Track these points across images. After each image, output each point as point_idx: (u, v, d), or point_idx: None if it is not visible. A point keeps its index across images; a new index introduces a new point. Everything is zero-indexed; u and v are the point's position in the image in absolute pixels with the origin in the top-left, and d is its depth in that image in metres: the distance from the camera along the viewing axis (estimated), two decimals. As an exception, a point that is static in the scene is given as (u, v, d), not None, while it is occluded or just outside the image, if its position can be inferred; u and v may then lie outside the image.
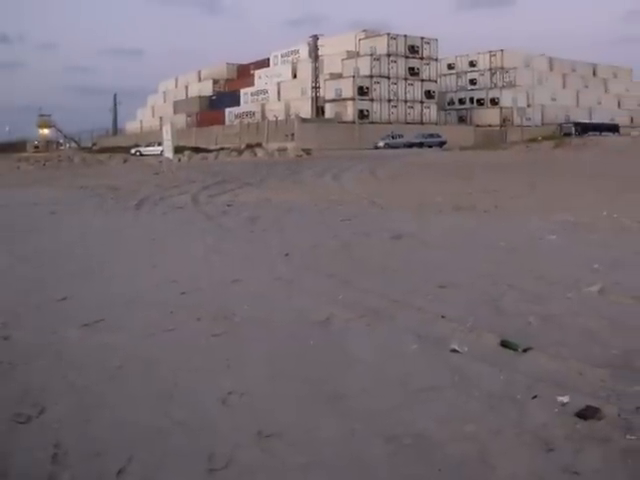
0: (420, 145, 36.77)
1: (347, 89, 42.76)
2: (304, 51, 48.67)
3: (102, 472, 1.96)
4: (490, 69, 51.34)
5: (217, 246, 6.02)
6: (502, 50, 51.18)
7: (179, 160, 28.36)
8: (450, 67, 53.34)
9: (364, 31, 47.70)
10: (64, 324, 3.48)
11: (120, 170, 22.43)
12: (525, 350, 2.85)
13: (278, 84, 49.32)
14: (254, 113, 48.90)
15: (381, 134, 38.52)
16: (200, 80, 61.88)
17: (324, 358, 2.89)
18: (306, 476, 1.92)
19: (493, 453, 1.99)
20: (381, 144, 36.93)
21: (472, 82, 52.20)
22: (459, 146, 33.03)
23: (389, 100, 43.78)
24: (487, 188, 10.95)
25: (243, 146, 35.92)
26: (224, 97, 54.91)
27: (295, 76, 49.39)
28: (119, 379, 2.69)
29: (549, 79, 53.07)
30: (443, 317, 3.39)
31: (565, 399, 2.31)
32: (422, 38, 45.69)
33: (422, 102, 45.32)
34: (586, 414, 2.20)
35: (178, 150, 31.07)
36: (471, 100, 51.27)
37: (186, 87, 62.67)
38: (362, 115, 41.93)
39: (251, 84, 53.16)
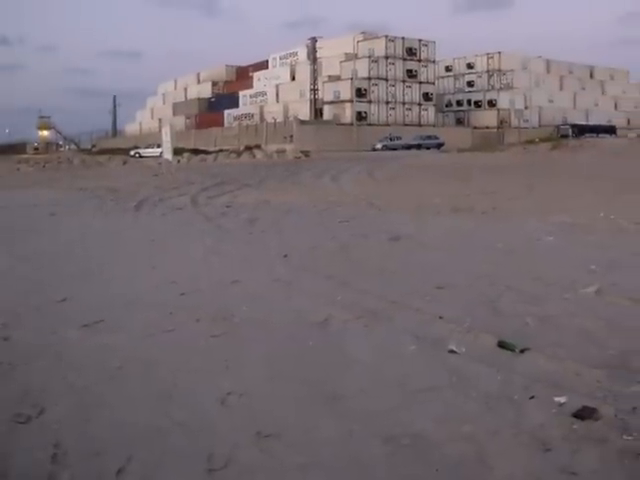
0: (418, 147, 36.85)
1: (345, 91, 42.83)
2: (302, 53, 48.75)
3: (102, 472, 1.97)
4: (487, 71, 51.47)
5: (216, 247, 6.03)
6: (499, 52, 51.34)
7: (178, 162, 28.36)
8: (448, 69, 53.48)
9: (362, 33, 47.82)
10: (64, 325, 3.49)
11: (119, 172, 22.44)
12: (522, 351, 2.86)
13: (277, 86, 49.37)
14: (253, 115, 48.94)
15: (379, 136, 38.61)
16: (199, 82, 61.95)
17: (322, 359, 2.90)
18: (305, 476, 1.92)
19: (491, 453, 1.99)
20: (379, 146, 36.99)
21: (470, 84, 52.33)
22: (457, 148, 33.07)
23: (387, 102, 43.86)
24: (485, 190, 10.98)
25: (242, 148, 35.96)
26: (223, 99, 54.96)
27: (294, 78, 49.46)
28: (119, 379, 2.70)
29: (546, 81, 53.24)
30: (441, 318, 3.40)
31: (562, 399, 2.32)
32: (420, 40, 45.81)
33: (420, 104, 45.42)
34: (583, 414, 2.20)
35: (177, 152, 31.04)
36: (469, 102, 51.39)
37: (185, 89, 62.73)
38: (360, 117, 41.99)
39: (250, 86, 53.21)
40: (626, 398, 2.32)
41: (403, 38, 45.11)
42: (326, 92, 44.28)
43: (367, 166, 19.29)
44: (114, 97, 75.48)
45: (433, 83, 46.90)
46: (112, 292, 4.28)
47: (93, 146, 60.91)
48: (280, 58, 53.00)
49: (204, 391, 2.56)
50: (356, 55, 44.64)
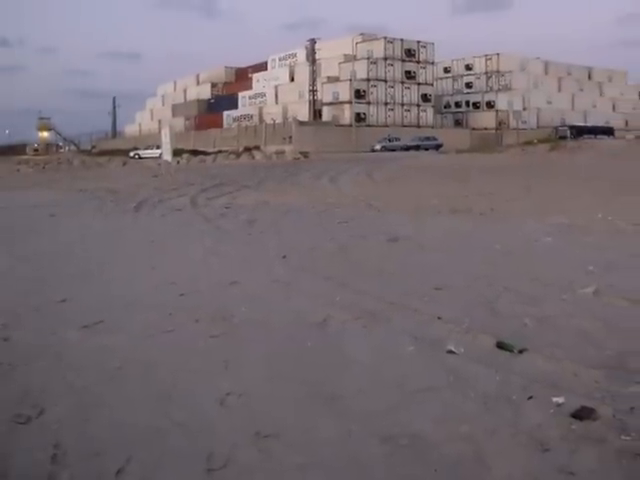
0: (417, 148, 36.91)
1: (344, 92, 42.88)
2: (302, 54, 48.81)
3: (101, 472, 1.97)
4: (486, 73, 51.59)
5: (215, 248, 6.04)
6: (498, 54, 51.47)
7: (178, 163, 28.37)
8: (446, 71, 53.59)
9: (361, 35, 47.90)
10: (64, 325, 3.49)
11: (119, 173, 22.45)
12: (521, 351, 2.87)
13: (276, 87, 49.41)
14: (252, 116, 48.98)
15: (378, 137, 38.65)
16: (198, 83, 62.02)
17: (321, 359, 2.90)
18: (304, 476, 1.93)
19: (489, 453, 2.00)
20: (378, 147, 37.03)
21: (468, 85, 52.43)
22: (455, 149, 33.10)
23: (386, 103, 43.92)
24: (483, 191, 10.99)
25: (241, 149, 35.98)
26: (222, 100, 55.01)
27: (293, 79, 49.52)
28: (118, 380, 2.71)
29: (544, 82, 53.37)
30: (439, 319, 3.41)
31: (560, 400, 2.33)
32: (418, 42, 45.90)
33: (419, 105, 45.50)
34: (581, 415, 2.21)
35: (177, 153, 31.06)
36: (467, 103, 51.49)
37: (184, 90, 62.79)
38: (359, 118, 42.05)
39: (249, 87, 53.26)
40: (624, 398, 2.33)
41: (402, 40, 45.20)
42: (325, 93, 44.32)
43: (366, 167, 19.31)
44: (114, 98, 75.65)
45: (432, 84, 46.98)
46: (112, 293, 4.29)
47: (93, 147, 60.93)
48: (279, 59, 53.07)
49: (203, 391, 2.56)
50: (355, 56, 44.72)
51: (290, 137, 38.69)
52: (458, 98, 52.43)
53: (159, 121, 57.06)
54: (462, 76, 53.12)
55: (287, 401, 2.46)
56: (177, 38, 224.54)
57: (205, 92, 59.25)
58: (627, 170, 15.31)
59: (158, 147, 34.73)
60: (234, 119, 50.31)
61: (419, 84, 45.51)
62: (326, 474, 1.94)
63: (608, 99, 57.37)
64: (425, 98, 45.86)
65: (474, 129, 47.00)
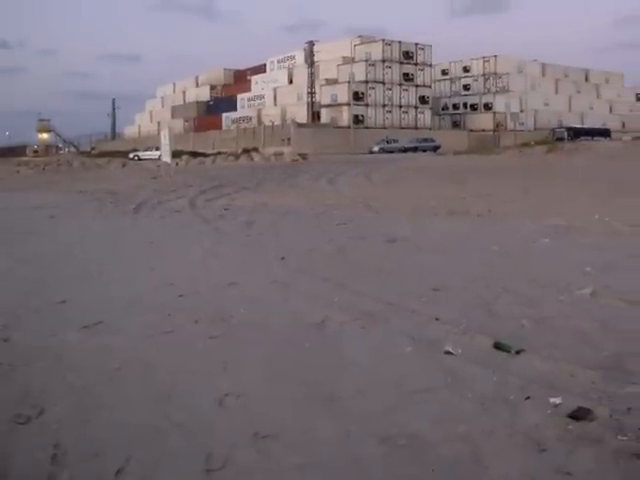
0: (414, 150, 36.97)
1: (342, 94, 42.96)
2: (300, 57, 48.90)
3: (101, 472, 1.98)
4: (483, 75, 51.76)
5: (214, 249, 6.04)
6: (495, 56, 51.65)
7: (177, 164, 28.38)
8: (444, 73, 53.74)
9: (359, 37, 48.02)
10: (63, 326, 3.50)
11: (119, 174, 22.41)
12: (518, 352, 2.88)
13: (274, 89, 49.50)
14: (251, 118, 49.04)
15: (376, 139, 38.71)
16: (197, 85, 62.13)
17: (320, 360, 2.91)
18: (302, 476, 1.94)
19: (486, 453, 2.01)
20: (376, 149, 37.08)
21: (466, 87, 52.59)
22: (453, 151, 33.16)
23: (384, 105, 44.01)
24: (481, 192, 11.01)
25: (240, 151, 35.97)
26: (221, 102, 55.11)
27: (291, 81, 49.61)
28: (118, 381, 2.71)
29: (542, 84, 53.57)
30: (437, 319, 3.42)
31: (557, 400, 2.34)
32: (416, 44, 46.02)
33: (416, 107, 45.60)
34: (578, 415, 2.22)
35: (176, 154, 31.12)
36: (465, 105, 51.63)
37: (184, 92, 62.89)
38: (357, 120, 42.12)
39: (248, 89, 53.35)
40: (621, 399, 2.34)
41: (400, 42, 45.31)
42: (323, 95, 44.40)
43: (364, 169, 19.33)
44: (113, 100, 75.82)
45: (429, 86, 47.09)
46: (111, 294, 4.30)
47: (92, 149, 60.96)
48: (278, 62, 53.17)
49: (202, 392, 2.57)
50: (353, 59, 44.84)
51: (289, 139, 38.74)
52: (456, 100, 52.57)
53: (158, 123, 57.15)
54: (460, 78, 53.28)
55: (285, 402, 2.47)
56: (177, 40, 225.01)
57: (204, 94, 59.33)
58: (624, 172, 15.36)
59: (157, 149, 34.83)
60: (233, 121, 50.38)
61: (417, 86, 45.61)
62: (324, 474, 1.95)
63: (605, 101, 57.60)
64: (423, 100, 45.96)
65: (472, 131, 47.12)
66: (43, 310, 3.88)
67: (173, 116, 59.33)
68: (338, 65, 44.81)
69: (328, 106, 43.96)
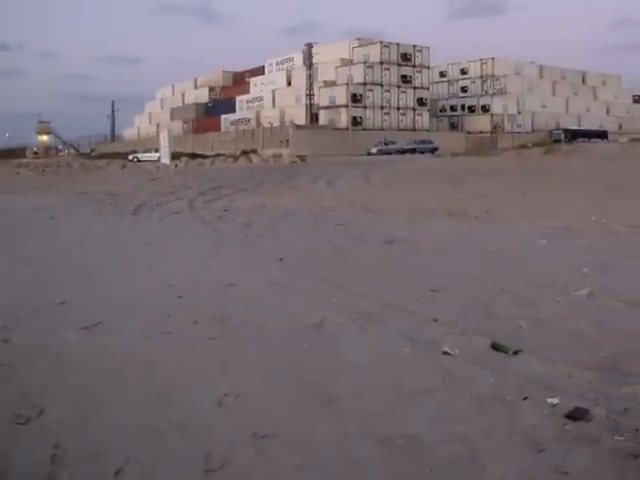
0: (412, 151, 37.01)
1: (341, 96, 43.01)
2: (298, 59, 48.98)
3: (101, 472, 1.99)
4: (481, 77, 51.88)
5: (213, 251, 6.05)
6: (493, 58, 51.77)
7: (176, 166, 28.37)
8: (442, 75, 53.86)
9: (357, 39, 48.11)
10: (63, 327, 3.50)
11: (118, 176, 22.41)
12: (515, 353, 2.89)
13: (273, 91, 49.57)
14: (249, 120, 49.09)
15: (374, 140, 38.74)
16: (196, 87, 62.19)
17: (318, 361, 2.92)
18: (301, 476, 1.94)
19: (484, 454, 2.01)
20: (374, 150, 37.11)
21: (463, 89, 52.72)
22: (451, 152, 33.24)
23: (382, 107, 44.08)
24: (478, 194, 11.04)
25: (238, 152, 35.95)
26: (220, 104, 55.16)
27: (290, 83, 49.67)
28: (117, 381, 2.72)
29: (539, 86, 53.72)
30: (435, 320, 3.43)
31: (555, 401, 2.35)
32: (414, 46, 46.12)
33: (414, 109, 45.69)
34: (575, 415, 2.23)
35: (175, 156, 31.12)
36: (462, 107, 51.75)
37: (183, 94, 62.94)
38: (355, 122, 42.16)
39: (246, 91, 53.40)
40: (618, 399, 2.35)
41: (398, 44, 45.41)
42: (322, 97, 44.46)
43: (362, 170, 19.35)
44: (113, 102, 76.02)
45: (427, 88, 47.19)
46: (111, 295, 4.31)
47: (92, 150, 60.96)
48: (276, 64, 53.25)
49: (201, 392, 2.58)
50: (351, 61, 44.91)
51: (287, 141, 38.76)
52: (453, 102, 52.69)
53: (157, 125, 57.18)
54: (457, 80, 53.41)
55: (284, 402, 2.47)
56: (176, 42, 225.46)
57: (203, 96, 59.40)
58: (621, 173, 15.42)
59: (156, 150, 34.82)
60: (232, 123, 50.42)
61: (415, 88, 45.70)
62: (323, 475, 1.95)
63: (602, 103, 57.80)
64: (421, 102, 46.05)
65: (469, 133, 47.23)
66: (43, 311, 3.88)
67: (172, 118, 59.37)
68: (336, 67, 44.88)
69: (326, 108, 44.02)
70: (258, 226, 7.79)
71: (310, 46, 45.97)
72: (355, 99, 42.49)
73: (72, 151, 67.83)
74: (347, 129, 41.11)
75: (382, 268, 5.01)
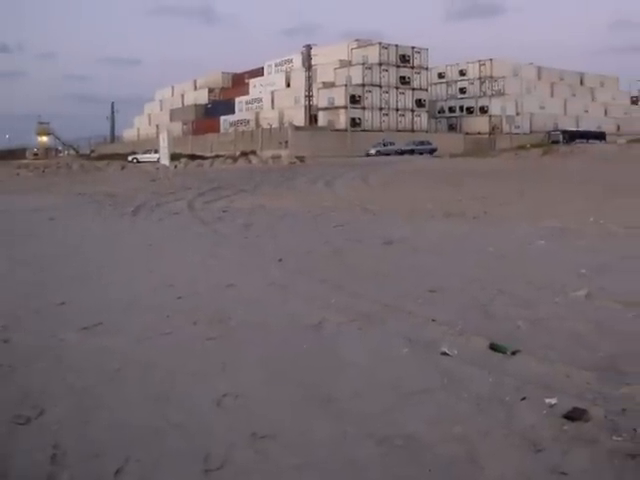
0: (411, 152, 37.04)
1: (340, 97, 43.03)
2: (298, 60, 49.01)
3: (100, 472, 1.99)
4: (479, 78, 51.92)
5: (212, 251, 6.06)
6: (491, 59, 51.81)
7: (175, 167, 28.37)
8: (440, 76, 53.89)
9: (356, 41, 48.15)
10: (63, 328, 3.51)
11: (118, 177, 22.42)
12: (514, 353, 2.90)
13: (272, 93, 49.58)
14: (248, 121, 49.09)
15: (373, 142, 38.75)
16: (196, 89, 62.19)
17: (317, 361, 2.92)
18: (300, 477, 1.95)
19: (482, 454, 2.02)
20: (373, 151, 37.13)
21: (462, 91, 52.75)
22: (449, 153, 33.28)
23: (381, 108, 44.12)
24: (476, 195, 11.06)
25: (238, 153, 35.96)
26: (219, 105, 55.17)
27: (289, 85, 49.69)
28: (117, 381, 2.73)
29: (537, 88, 53.77)
30: (433, 321, 3.45)
31: (553, 401, 2.35)
32: (413, 48, 46.18)
33: (413, 110, 45.73)
34: (573, 416, 2.23)
35: (174, 157, 31.12)
36: (461, 108, 51.80)
37: (182, 95, 62.95)
38: (354, 123, 42.18)
39: (246, 93, 53.41)
40: (615, 400, 2.36)
41: (396, 45, 45.46)
42: (321, 98, 44.47)
43: (361, 171, 19.37)
44: (112, 103, 75.87)
45: (426, 90, 47.23)
46: (110, 295, 4.31)
47: (92, 151, 60.95)
48: (275, 65, 53.28)
49: (201, 393, 2.59)
50: (350, 62, 44.97)
51: (286, 142, 38.75)
52: (452, 103, 52.74)
53: (157, 126, 57.13)
54: (456, 81, 53.44)
55: (283, 403, 2.48)
56: (175, 44, 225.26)
57: (202, 97, 59.41)
58: (618, 174, 15.46)
59: (156, 151, 34.78)
60: (231, 124, 50.41)
61: (413, 89, 45.74)
62: (322, 475, 1.96)
63: (600, 104, 57.89)
64: (419, 103, 46.10)
65: (468, 134, 47.25)
66: (43, 311, 3.89)
67: (172, 119, 59.35)
68: (335, 68, 44.91)
69: (325, 109, 44.03)
70: (257, 227, 7.80)
71: (309, 47, 46.02)
72: (354, 100, 42.52)
73: (72, 152, 67.82)
74: (346, 130, 41.13)
75: (381, 269, 5.03)
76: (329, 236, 6.88)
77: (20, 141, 76.77)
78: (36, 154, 63.13)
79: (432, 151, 37.70)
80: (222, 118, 51.81)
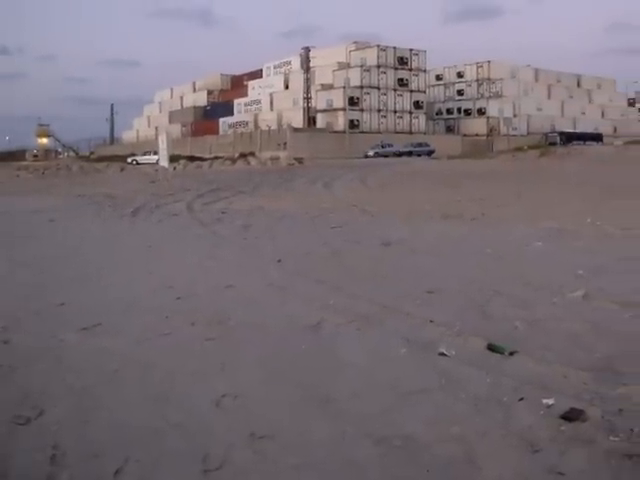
0: (409, 154, 37.11)
1: (338, 99, 43.10)
2: (296, 62, 49.07)
3: (100, 472, 2.00)
4: (477, 80, 52.06)
5: (211, 252, 6.07)
6: (489, 61, 51.96)
7: (174, 169, 28.36)
8: (438, 78, 54.01)
9: (355, 43, 48.24)
10: (63, 328, 3.51)
11: (117, 178, 22.42)
12: (511, 354, 2.91)
13: (271, 94, 49.59)
14: (247, 123, 49.11)
15: (371, 143, 38.83)
16: (195, 91, 62.21)
17: (316, 362, 2.93)
18: (298, 477, 1.96)
19: (480, 454, 2.03)
20: (371, 153, 37.19)
21: (460, 93, 52.87)
22: (447, 155, 33.37)
23: (379, 110, 44.19)
24: (474, 196, 11.09)
25: (237, 155, 36.00)
26: (218, 107, 55.18)
27: (287, 87, 49.71)
28: (116, 382, 2.73)
29: (535, 90, 53.94)
30: (431, 322, 3.46)
31: (550, 401, 2.36)
32: (411, 50, 46.28)
33: (411, 112, 45.81)
34: (571, 416, 2.24)
35: (173, 159, 31.13)
36: (459, 110, 51.91)
37: (181, 97, 62.96)
38: (352, 125, 42.24)
39: (244, 94, 53.43)
40: (612, 400, 2.37)
41: (395, 48, 45.55)
42: (319, 100, 44.53)
43: (359, 173, 19.40)
44: (112, 105, 75.80)
45: (424, 92, 47.33)
46: (110, 296, 4.32)
47: (91, 153, 61.00)
48: (274, 67, 53.32)
49: (200, 393, 2.59)
50: (349, 64, 45.04)
51: (285, 143, 38.77)
52: (450, 105, 52.85)
53: (156, 128, 57.08)
54: (454, 83, 53.56)
55: (282, 403, 2.49)
56: (174, 46, 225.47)
57: (201, 99, 59.43)
58: (615, 176, 15.53)
59: (155, 153, 34.77)
60: (230, 126, 50.43)
61: (411, 91, 45.83)
62: (320, 475, 1.96)
63: (597, 106, 58.09)
64: (417, 105, 46.19)
65: (465, 135, 47.34)
66: (43, 312, 3.90)
67: (171, 121, 59.33)
68: (333, 71, 44.98)
69: (324, 111, 44.08)
70: (256, 228, 7.81)
71: (307, 50, 46.10)
72: (352, 102, 42.58)
73: (71, 154, 67.87)
74: (344, 132, 41.18)
75: (379, 270, 5.04)
76: (327, 237, 6.89)
77: (20, 143, 77.07)
78: (36, 156, 63.10)
79: (430, 153, 37.78)
80: (221, 120, 51.83)
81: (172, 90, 66.72)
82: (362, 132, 42.35)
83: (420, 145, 39.70)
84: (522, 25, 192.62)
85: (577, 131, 48.58)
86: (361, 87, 43.35)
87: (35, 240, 7.27)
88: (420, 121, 46.51)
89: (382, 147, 38.48)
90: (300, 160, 30.56)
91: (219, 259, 5.73)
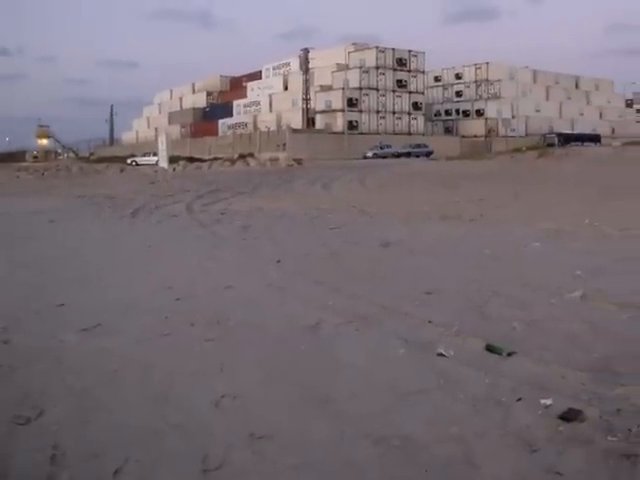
0: (408, 155, 37.21)
1: (337, 101, 43.18)
2: (295, 64, 49.16)
3: (100, 473, 2.00)
4: (475, 81, 52.20)
5: (211, 253, 6.08)
6: (487, 63, 52.12)
7: (174, 170, 28.38)
8: (437, 79, 54.16)
9: (353, 44, 48.35)
10: (63, 329, 3.52)
11: (117, 179, 22.42)
12: (509, 354, 2.92)
13: (270, 96, 49.66)
14: (246, 124, 49.17)
15: (370, 144, 38.91)
16: (194, 92, 62.28)
17: (314, 362, 2.94)
18: (297, 477, 1.96)
19: (478, 454, 2.03)
20: (370, 154, 37.26)
21: (458, 94, 53.01)
22: (445, 156, 33.43)
23: (377, 111, 44.28)
24: (473, 197, 11.10)
25: (236, 156, 36.05)
26: (217, 108, 55.25)
27: (286, 88, 49.79)
28: (116, 382, 2.74)
29: (533, 91, 54.10)
30: (430, 322, 3.46)
31: (548, 402, 2.37)
32: (410, 51, 46.40)
33: (409, 113, 45.92)
34: (569, 416, 2.25)
35: (173, 160, 31.17)
36: (457, 111, 52.06)
37: (180, 99, 63.04)
38: (351, 126, 42.33)
39: (244, 96, 53.51)
40: (610, 400, 2.37)
41: (393, 49, 45.65)
42: (318, 102, 44.61)
43: (358, 174, 19.43)
44: (111, 106, 76.02)
45: (422, 93, 47.44)
46: (110, 297, 4.32)
47: (91, 154, 61.04)
48: (273, 68, 53.41)
49: (199, 394, 2.59)
50: (347, 65, 45.14)
51: (284, 144, 38.83)
52: (448, 106, 52.98)
53: (156, 129, 57.13)
54: (452, 85, 53.71)
55: (281, 403, 2.49)
56: (174, 47, 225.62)
57: (201, 100, 59.50)
58: (613, 177, 15.57)
59: (155, 154, 34.81)
60: (229, 127, 50.49)
61: (410, 92, 45.95)
62: (319, 475, 1.97)
63: (595, 107, 58.28)
64: (416, 106, 46.29)
65: (464, 137, 47.48)
66: (43, 313, 3.90)
67: (170, 122, 59.36)
68: (332, 72, 45.06)
69: (322, 112, 44.15)
70: (255, 229, 7.82)
71: (306, 51, 46.19)
72: (351, 103, 42.67)
73: (71, 155, 67.93)
74: (343, 133, 41.26)
75: (377, 271, 5.05)
76: (326, 238, 6.90)
77: (20, 144, 76.95)
78: (36, 157, 63.13)
79: (428, 154, 37.87)
80: (220, 121, 51.88)
81: (172, 91, 66.82)
82: (361, 133, 42.43)
83: (419, 146, 39.80)
84: (521, 26, 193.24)
85: (575, 132, 48.73)
86: (360, 88, 43.43)
87: (35, 241, 7.27)
88: (419, 122, 46.61)
89: (381, 148, 38.56)
90: (299, 161, 30.60)
91: (218, 260, 5.74)
